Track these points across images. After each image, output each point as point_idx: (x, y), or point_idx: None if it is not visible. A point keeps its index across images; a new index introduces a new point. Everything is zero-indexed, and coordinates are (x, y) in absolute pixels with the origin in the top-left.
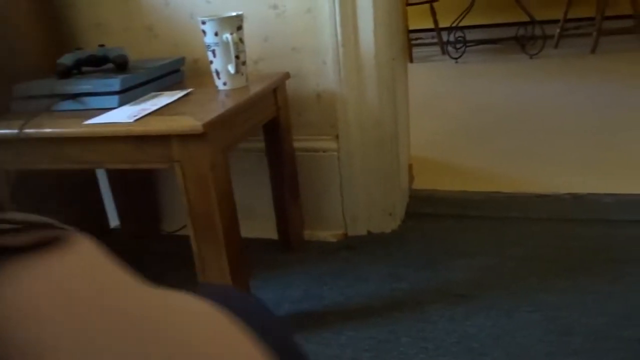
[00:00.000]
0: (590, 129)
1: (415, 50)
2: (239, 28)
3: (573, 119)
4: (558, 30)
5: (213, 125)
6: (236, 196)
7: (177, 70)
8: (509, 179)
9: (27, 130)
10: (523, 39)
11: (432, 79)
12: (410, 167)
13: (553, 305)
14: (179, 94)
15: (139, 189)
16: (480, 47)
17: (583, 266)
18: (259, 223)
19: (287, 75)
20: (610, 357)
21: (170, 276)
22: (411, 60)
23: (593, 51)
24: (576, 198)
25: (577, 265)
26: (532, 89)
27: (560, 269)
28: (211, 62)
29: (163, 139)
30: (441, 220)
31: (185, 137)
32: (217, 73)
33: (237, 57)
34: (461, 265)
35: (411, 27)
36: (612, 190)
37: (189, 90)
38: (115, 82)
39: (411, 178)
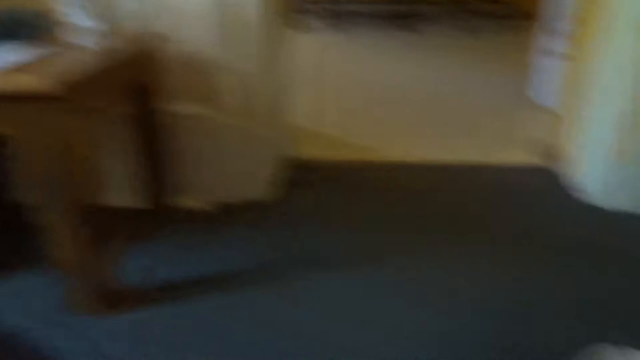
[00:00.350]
0: (466, 104)
1: (301, 20)
2: None
3: (449, 94)
4: (441, 10)
5: (69, 87)
6: (102, 164)
7: (32, 25)
8: (389, 149)
9: None
10: (408, 16)
11: (318, 51)
12: (293, 136)
13: (416, 268)
14: (32, 50)
15: None
16: (368, 21)
17: (441, 233)
18: (126, 191)
19: (160, 37)
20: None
21: (25, 248)
22: (299, 31)
23: (472, 33)
24: (445, 169)
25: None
26: (414, 64)
27: (432, 235)
28: (71, 17)
29: (3, 100)
30: (321, 189)
31: (32, 100)
32: (79, 30)
33: (100, 14)
34: (337, 232)
35: None
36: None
37: (46, 46)
38: None
39: (293, 147)
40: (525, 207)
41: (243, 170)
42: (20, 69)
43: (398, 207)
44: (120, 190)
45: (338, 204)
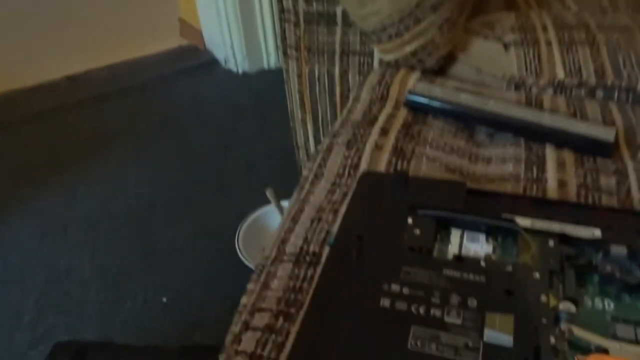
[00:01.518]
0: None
1: None
2: None
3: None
4: None
5: None
6: None
7: None
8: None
9: None
10: None
11: None
12: None
13: (46, 208)
14: None
15: None
16: None
17: (74, 158)
18: None
19: None
20: (102, 234)
21: None
22: None
23: None
24: (72, 80)
25: (68, 160)
26: None
27: (51, 169)
28: None
29: None
30: None
31: None
32: None
33: None
34: None
35: None
36: (106, 63)
37: None
38: None
39: None
40: (177, 91)
41: None
42: None
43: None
44: None
45: None
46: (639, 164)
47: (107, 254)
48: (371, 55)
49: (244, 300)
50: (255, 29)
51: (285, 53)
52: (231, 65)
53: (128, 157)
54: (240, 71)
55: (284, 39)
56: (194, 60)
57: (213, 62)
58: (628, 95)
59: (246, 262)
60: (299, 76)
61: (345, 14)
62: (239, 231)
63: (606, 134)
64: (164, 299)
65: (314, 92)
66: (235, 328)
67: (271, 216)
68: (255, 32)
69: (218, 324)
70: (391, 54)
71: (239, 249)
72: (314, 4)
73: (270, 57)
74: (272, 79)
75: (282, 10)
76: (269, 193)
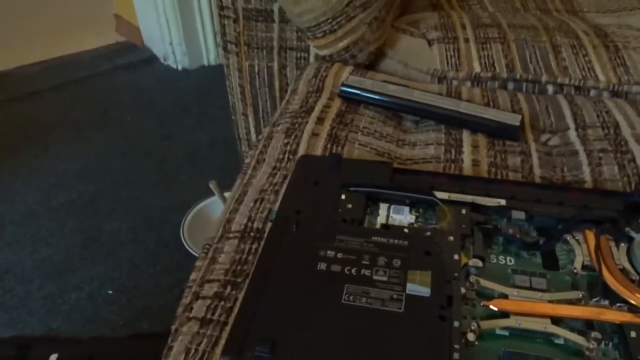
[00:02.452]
0: None
1: None
2: None
3: None
4: None
5: None
6: None
7: None
8: None
9: None
10: None
11: None
12: None
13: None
14: None
15: None
16: None
17: (10, 153)
18: None
19: None
20: (43, 228)
21: None
22: None
23: None
24: (3, 77)
25: (2, 155)
26: None
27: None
28: None
29: None
30: None
31: None
32: None
33: None
34: None
35: None
36: (38, 59)
37: None
38: None
39: None
40: (116, 85)
41: None
42: None
43: None
44: None
45: None
46: (540, 145)
47: (49, 248)
48: (307, 50)
49: (192, 276)
50: (194, 26)
51: (225, 49)
52: (170, 62)
53: (67, 151)
54: (180, 67)
55: (223, 34)
56: (132, 57)
57: (152, 58)
58: (534, 87)
59: (192, 252)
60: (240, 70)
61: (282, 11)
62: (184, 222)
63: (513, 120)
64: (110, 291)
65: (254, 86)
66: (186, 300)
67: (215, 207)
68: (195, 29)
69: (166, 312)
70: (326, 49)
71: (184, 239)
72: (252, 1)
73: (209, 54)
74: (212, 75)
75: (221, 7)
76: (212, 185)
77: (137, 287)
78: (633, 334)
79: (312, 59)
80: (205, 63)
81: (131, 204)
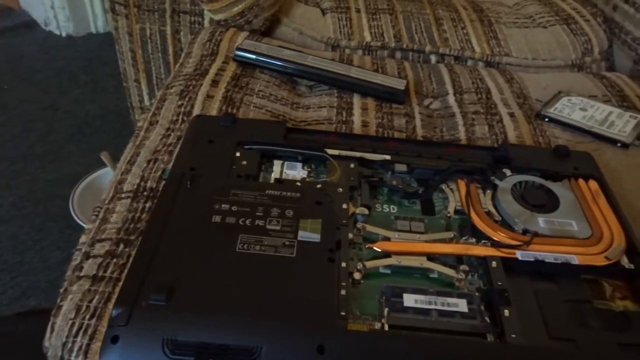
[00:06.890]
0: None
1: None
2: None
3: None
4: None
5: None
6: None
7: None
8: None
9: None
10: None
11: None
12: None
13: None
14: None
15: None
16: None
17: None
18: None
19: None
20: None
21: None
22: None
23: None
24: None
25: None
26: None
27: None
28: None
29: None
30: None
31: None
32: None
33: None
34: None
35: None
36: None
37: None
38: None
39: None
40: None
41: None
42: None
43: None
44: None
45: None
46: (423, 108)
47: None
48: (202, 15)
49: (82, 239)
50: None
51: (113, 10)
52: (53, 28)
53: None
54: (64, 34)
55: None
56: (8, 21)
57: (30, 23)
58: (419, 56)
59: (83, 225)
60: (130, 34)
61: None
62: (73, 194)
63: (399, 85)
64: None
65: (146, 51)
66: (75, 261)
67: (107, 179)
68: None
69: (55, 288)
70: (220, 13)
71: (74, 212)
72: None
73: (97, 20)
74: (101, 43)
75: None
76: (104, 156)
77: (23, 264)
78: (494, 264)
79: (206, 23)
80: (93, 30)
81: (15, 178)
